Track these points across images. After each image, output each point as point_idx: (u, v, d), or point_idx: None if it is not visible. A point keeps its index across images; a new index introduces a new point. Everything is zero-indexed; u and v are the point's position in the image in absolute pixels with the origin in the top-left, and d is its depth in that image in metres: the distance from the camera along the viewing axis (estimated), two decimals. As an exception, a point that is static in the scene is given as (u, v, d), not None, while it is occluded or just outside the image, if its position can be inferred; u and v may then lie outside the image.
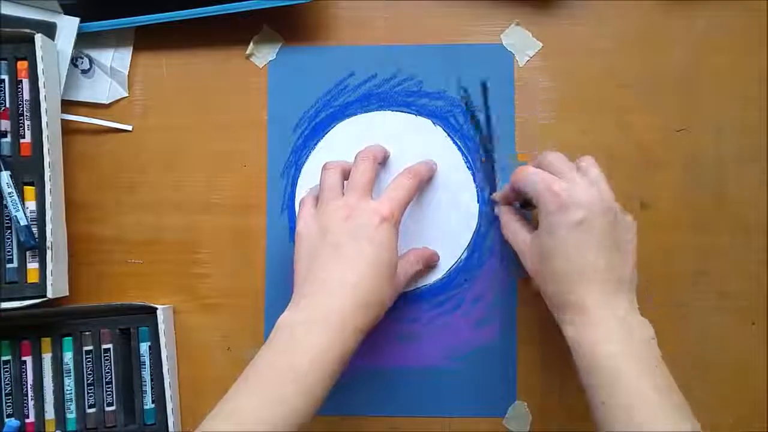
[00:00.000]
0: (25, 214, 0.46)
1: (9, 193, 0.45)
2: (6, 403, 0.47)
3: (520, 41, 0.50)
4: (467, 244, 0.49)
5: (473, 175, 0.49)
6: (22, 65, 0.47)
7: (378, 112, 0.50)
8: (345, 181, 0.45)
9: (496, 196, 0.48)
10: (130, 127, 0.51)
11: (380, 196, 0.43)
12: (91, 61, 0.50)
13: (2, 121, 0.46)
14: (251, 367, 0.39)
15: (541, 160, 0.43)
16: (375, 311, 0.41)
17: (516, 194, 0.45)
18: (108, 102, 0.51)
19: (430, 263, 0.48)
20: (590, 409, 0.38)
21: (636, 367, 0.37)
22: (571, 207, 0.39)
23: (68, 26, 0.49)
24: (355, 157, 0.45)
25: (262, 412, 0.37)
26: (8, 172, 0.46)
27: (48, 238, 0.46)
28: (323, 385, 0.38)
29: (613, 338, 0.38)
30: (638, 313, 0.40)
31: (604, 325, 0.39)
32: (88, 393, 0.48)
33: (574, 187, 0.40)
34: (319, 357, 0.38)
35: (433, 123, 0.50)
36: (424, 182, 0.47)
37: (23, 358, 0.47)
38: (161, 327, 0.47)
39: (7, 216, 0.46)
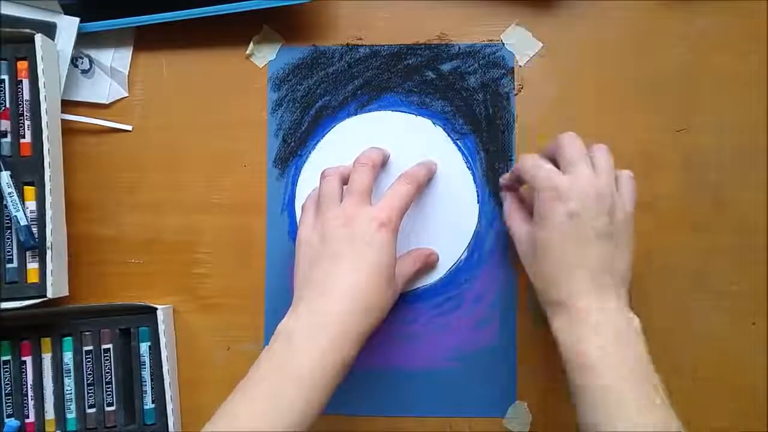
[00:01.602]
0: (25, 214, 0.46)
1: (9, 193, 0.45)
2: (6, 403, 0.47)
3: (521, 41, 0.50)
4: (467, 244, 0.49)
5: (473, 175, 0.49)
6: (22, 65, 0.47)
7: (378, 112, 0.50)
8: (345, 186, 0.45)
9: (503, 180, 0.48)
10: (130, 127, 0.51)
11: (378, 201, 0.43)
12: (91, 61, 0.50)
13: (2, 121, 0.46)
14: (251, 373, 0.39)
15: (555, 145, 0.42)
16: (375, 315, 0.41)
17: (521, 181, 0.45)
18: (108, 102, 0.51)
19: (428, 263, 0.48)
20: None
21: (616, 366, 0.37)
22: (565, 199, 0.39)
23: (68, 26, 0.49)
24: (354, 163, 0.45)
25: (262, 419, 0.37)
26: (8, 172, 0.46)
27: (48, 238, 0.46)
28: (324, 391, 0.38)
29: (596, 337, 0.38)
30: (627, 310, 0.40)
31: (589, 322, 0.38)
32: (88, 393, 0.48)
33: (574, 180, 0.40)
34: (320, 363, 0.38)
35: (433, 123, 0.50)
36: (422, 186, 0.47)
37: (23, 358, 0.48)
38: (161, 327, 0.47)
39: (7, 216, 0.46)
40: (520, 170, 0.43)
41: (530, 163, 0.42)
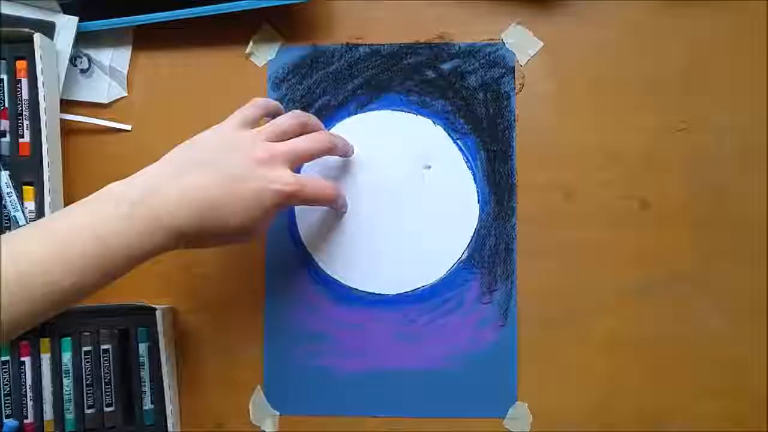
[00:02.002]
0: (24, 214, 0.45)
1: (8, 193, 0.45)
2: (5, 403, 0.47)
3: (521, 40, 0.50)
4: (467, 244, 0.49)
5: (473, 175, 0.49)
6: (21, 65, 0.47)
7: (378, 111, 0.50)
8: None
9: None
10: (129, 127, 0.51)
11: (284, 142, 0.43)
12: (90, 60, 0.50)
13: (1, 121, 0.46)
14: (60, 216, 0.38)
15: None
16: (209, 222, 0.39)
17: None
18: (107, 102, 0.51)
19: (327, 197, 0.45)
20: None
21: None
22: None
23: (67, 26, 0.48)
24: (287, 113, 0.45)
25: (47, 262, 0.35)
26: (7, 172, 0.46)
27: (47, 238, 0.45)
28: (117, 265, 0.37)
29: None
30: None
31: None
32: (87, 393, 0.48)
33: None
34: (125, 239, 0.37)
35: (433, 123, 0.50)
36: (334, 151, 0.46)
37: (22, 359, 0.47)
38: (160, 327, 0.47)
39: (6, 216, 0.46)
40: None
41: None
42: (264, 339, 0.49)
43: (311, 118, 0.46)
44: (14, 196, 0.45)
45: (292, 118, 0.44)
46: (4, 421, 0.46)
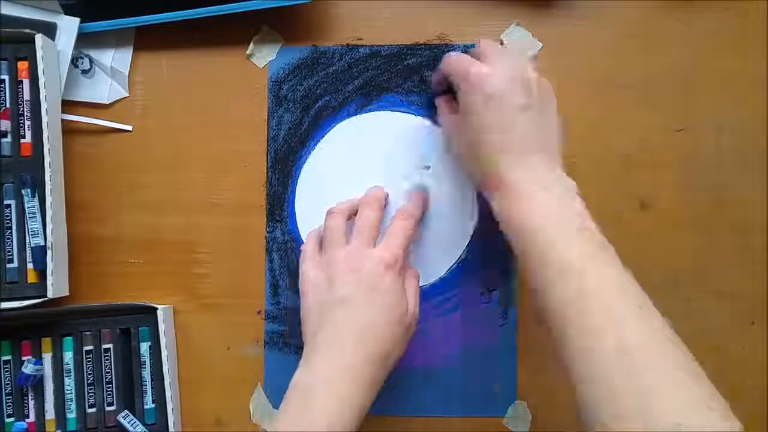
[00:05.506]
0: (42, 235, 0.46)
1: (32, 216, 0.46)
2: (6, 403, 0.47)
3: (520, 41, 0.50)
4: (467, 245, 0.49)
5: (473, 175, 0.49)
6: (22, 65, 0.47)
7: (378, 112, 0.50)
8: (349, 222, 0.45)
9: (433, 80, 0.48)
10: (130, 127, 0.51)
11: (381, 242, 0.43)
12: (91, 61, 0.51)
13: (2, 121, 0.47)
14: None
15: (474, 50, 0.44)
16: (390, 359, 0.41)
17: (447, 80, 0.45)
18: (108, 102, 0.51)
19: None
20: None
21: (557, 232, 0.38)
22: (480, 84, 0.40)
23: (69, 26, 0.49)
24: (360, 203, 0.45)
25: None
26: (28, 190, 0.46)
27: (48, 238, 0.46)
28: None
29: (532, 205, 0.39)
30: (561, 173, 0.40)
31: (524, 194, 0.39)
32: (88, 393, 0.48)
33: (487, 67, 0.41)
34: (338, 417, 0.38)
35: (433, 123, 0.50)
36: (419, 220, 0.47)
37: (23, 358, 0.48)
38: (161, 327, 0.47)
39: (8, 216, 0.46)
40: (443, 66, 0.44)
41: (450, 58, 0.43)
42: (264, 338, 0.49)
43: (378, 194, 0.46)
44: (38, 220, 0.46)
45: (369, 209, 0.44)
46: (15, 423, 0.47)
